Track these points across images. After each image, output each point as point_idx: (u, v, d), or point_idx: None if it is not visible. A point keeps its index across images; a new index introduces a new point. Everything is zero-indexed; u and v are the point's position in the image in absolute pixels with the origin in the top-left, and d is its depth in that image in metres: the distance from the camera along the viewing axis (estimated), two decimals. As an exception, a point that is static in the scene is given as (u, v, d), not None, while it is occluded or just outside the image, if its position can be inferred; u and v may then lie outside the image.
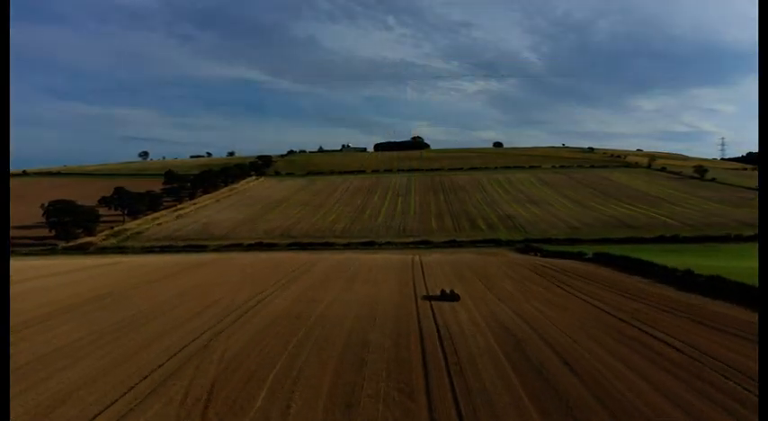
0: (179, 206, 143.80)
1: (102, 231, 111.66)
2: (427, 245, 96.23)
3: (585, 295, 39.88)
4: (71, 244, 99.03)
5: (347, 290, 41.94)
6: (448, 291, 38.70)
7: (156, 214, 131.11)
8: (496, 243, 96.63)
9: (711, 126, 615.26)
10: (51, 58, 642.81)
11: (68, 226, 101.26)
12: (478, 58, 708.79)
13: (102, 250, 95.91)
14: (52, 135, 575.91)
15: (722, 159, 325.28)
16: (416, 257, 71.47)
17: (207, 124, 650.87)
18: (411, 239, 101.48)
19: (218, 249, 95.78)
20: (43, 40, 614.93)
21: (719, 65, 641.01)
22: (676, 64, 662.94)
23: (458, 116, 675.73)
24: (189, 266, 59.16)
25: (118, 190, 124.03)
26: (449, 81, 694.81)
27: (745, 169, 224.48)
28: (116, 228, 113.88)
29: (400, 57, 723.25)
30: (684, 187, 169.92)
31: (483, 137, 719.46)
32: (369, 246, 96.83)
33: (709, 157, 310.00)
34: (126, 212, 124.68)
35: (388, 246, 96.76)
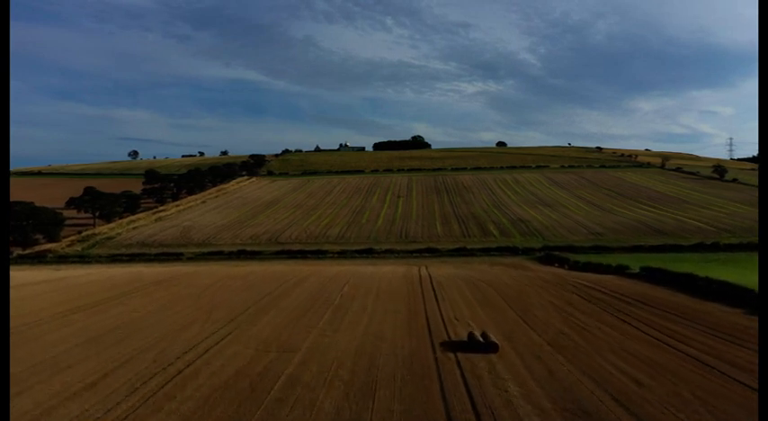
0: (160, 208, 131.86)
1: (69, 236, 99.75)
2: (433, 253, 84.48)
3: (670, 337, 28.26)
4: (27, 251, 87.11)
5: (335, 328, 30.15)
6: (479, 335, 26.95)
7: (132, 217, 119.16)
8: (512, 251, 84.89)
9: (709, 128, 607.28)
10: (48, 58, 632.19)
11: (26, 231, 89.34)
12: (477, 60, 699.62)
13: (62, 259, 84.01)
14: (47, 135, 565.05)
15: (732, 160, 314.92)
16: (423, 270, 59.78)
17: (204, 125, 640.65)
18: (414, 246, 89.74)
19: (194, 258, 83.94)
20: (40, 39, 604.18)
21: (718, 67, 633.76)
22: (675, 65, 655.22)
23: (456, 117, 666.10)
24: (141, 285, 47.31)
25: (88, 190, 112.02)
26: (447, 82, 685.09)
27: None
28: (84, 233, 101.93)
29: (398, 58, 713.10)
30: (705, 188, 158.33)
31: (482, 138, 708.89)
32: (366, 254, 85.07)
33: (711, 158, 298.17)
34: (98, 215, 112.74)
35: (389, 254, 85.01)
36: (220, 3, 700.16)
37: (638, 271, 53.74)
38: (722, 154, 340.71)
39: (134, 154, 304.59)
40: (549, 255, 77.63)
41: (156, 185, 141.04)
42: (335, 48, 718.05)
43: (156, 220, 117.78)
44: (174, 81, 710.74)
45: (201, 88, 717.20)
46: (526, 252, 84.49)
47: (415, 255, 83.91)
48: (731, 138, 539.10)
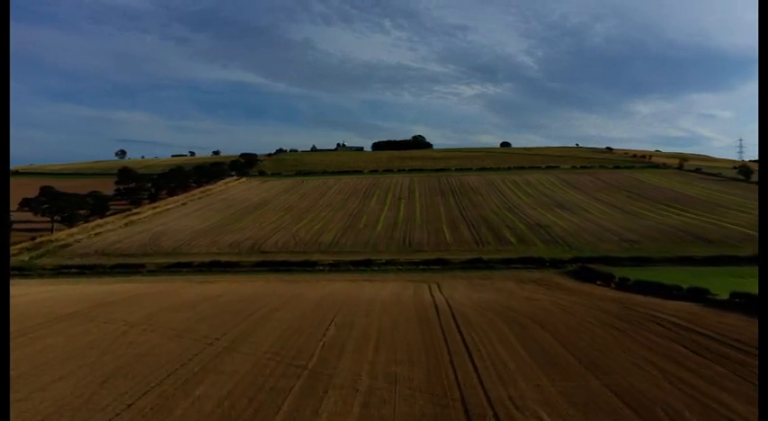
0: (134, 210, 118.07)
1: (20, 243, 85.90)
2: (444, 265, 70.84)
3: None
4: (-41, 262, 73.29)
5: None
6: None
7: (100, 221, 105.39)
8: (537, 263, 71.27)
9: (708, 131, 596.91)
10: (46, 59, 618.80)
11: (-38, 237, 75.57)
12: (475, 62, 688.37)
13: (-2, 271, 70.15)
14: (46, 137, 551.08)
15: (743, 161, 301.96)
16: (437, 293, 46.22)
17: (203, 127, 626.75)
18: (420, 257, 76.08)
19: (156, 271, 70.19)
20: (37, 41, 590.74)
21: (717, 70, 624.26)
22: (674, 69, 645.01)
23: (455, 120, 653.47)
24: (44, 321, 33.45)
25: (45, 190, 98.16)
26: (446, 85, 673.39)
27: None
28: (38, 240, 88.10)
29: (396, 60, 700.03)
30: (734, 190, 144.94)
31: (481, 141, 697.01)
32: (364, 266, 71.39)
33: (727, 159, 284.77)
34: (59, 218, 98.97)
35: (390, 266, 71.37)
36: (217, 5, 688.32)
37: (726, 298, 39.98)
38: (729, 156, 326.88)
39: (121, 153, 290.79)
40: (586, 270, 64.08)
41: (131, 185, 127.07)
42: (333, 50, 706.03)
43: (125, 225, 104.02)
44: (173, 83, 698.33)
45: (200, 90, 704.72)
46: (554, 264, 70.92)
47: (421, 267, 70.31)
48: (741, 140, 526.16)
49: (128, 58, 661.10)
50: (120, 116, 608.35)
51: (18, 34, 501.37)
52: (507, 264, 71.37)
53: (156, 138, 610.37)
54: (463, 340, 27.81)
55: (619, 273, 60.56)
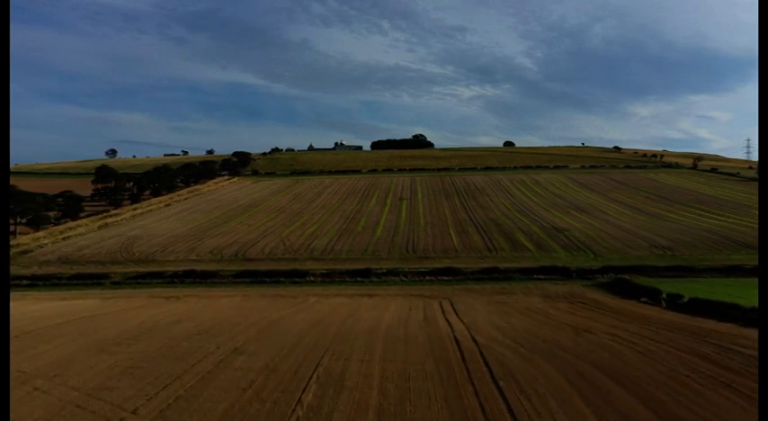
0: (112, 212, 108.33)
1: (-25, 249, 76.20)
2: (454, 276, 61.10)
3: None
4: None
5: None
6: None
7: (71, 223, 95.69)
8: (562, 273, 61.54)
9: (707, 133, 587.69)
10: (44, 60, 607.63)
11: None
12: (473, 64, 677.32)
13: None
14: (45, 138, 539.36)
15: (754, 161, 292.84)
16: (453, 317, 36.51)
17: (202, 128, 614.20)
18: (426, 265, 66.42)
19: (121, 282, 60.44)
20: (35, 42, 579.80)
21: (716, 72, 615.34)
22: (672, 70, 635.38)
23: (454, 121, 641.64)
24: None
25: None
26: (444, 86, 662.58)
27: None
28: (-4, 245, 78.35)
29: (395, 61, 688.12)
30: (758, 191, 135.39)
31: (480, 142, 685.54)
32: (362, 277, 61.65)
33: (739, 160, 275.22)
34: (24, 221, 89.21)
35: (392, 277, 61.61)
36: (216, 5, 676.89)
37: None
38: (729, 157, 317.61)
39: (112, 152, 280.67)
40: (623, 282, 54.47)
41: (109, 184, 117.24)
42: (332, 51, 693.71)
43: (99, 228, 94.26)
44: (172, 84, 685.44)
45: (199, 91, 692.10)
46: (582, 274, 61.30)
47: (428, 278, 60.63)
48: (748, 140, 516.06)
49: (126, 59, 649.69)
50: (119, 117, 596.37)
51: (16, 35, 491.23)
52: (527, 274, 61.70)
53: (155, 139, 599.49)
54: (510, 412, 18.07)
55: (662, 286, 51.01)
